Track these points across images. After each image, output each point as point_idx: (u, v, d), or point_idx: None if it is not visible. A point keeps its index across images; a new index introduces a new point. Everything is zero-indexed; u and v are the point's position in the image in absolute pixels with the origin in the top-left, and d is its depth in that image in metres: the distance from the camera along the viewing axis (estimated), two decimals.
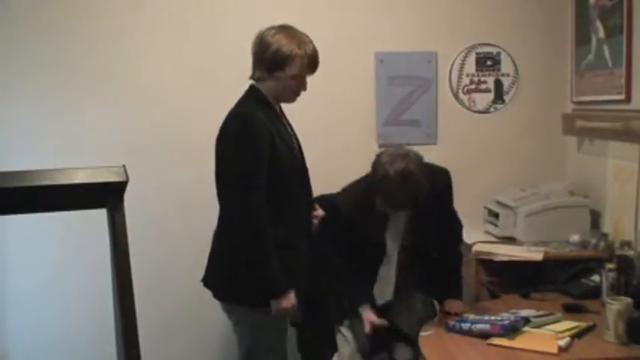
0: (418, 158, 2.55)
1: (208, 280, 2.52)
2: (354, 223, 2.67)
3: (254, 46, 2.46)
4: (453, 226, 2.83)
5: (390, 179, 2.45)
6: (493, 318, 2.43)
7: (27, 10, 3.30)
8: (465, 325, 2.42)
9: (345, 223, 2.70)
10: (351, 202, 2.70)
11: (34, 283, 3.39)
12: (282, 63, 2.40)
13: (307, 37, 2.46)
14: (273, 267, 2.35)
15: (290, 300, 2.40)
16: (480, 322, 2.40)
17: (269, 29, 2.46)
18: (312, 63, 2.45)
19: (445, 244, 2.78)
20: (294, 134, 2.63)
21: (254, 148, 2.34)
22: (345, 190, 2.78)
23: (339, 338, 2.78)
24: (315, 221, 2.65)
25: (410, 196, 2.48)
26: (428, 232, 2.67)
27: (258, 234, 2.34)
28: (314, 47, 2.46)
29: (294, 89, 2.47)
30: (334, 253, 2.74)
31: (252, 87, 2.50)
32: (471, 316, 2.51)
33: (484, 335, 2.32)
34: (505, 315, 2.47)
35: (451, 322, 2.46)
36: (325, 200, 2.77)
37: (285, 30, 2.45)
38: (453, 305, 2.68)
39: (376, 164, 2.54)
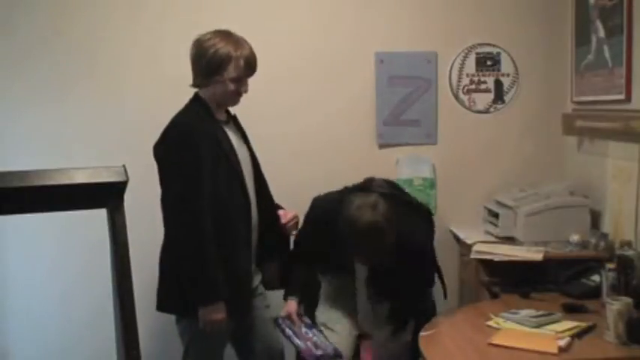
0: (388, 208, 2.47)
1: (159, 299, 2.56)
2: (324, 233, 2.63)
3: (191, 53, 2.49)
4: (427, 270, 2.75)
5: (357, 228, 2.43)
6: (315, 339, 2.62)
7: (26, 7, 3.30)
8: (288, 331, 2.65)
9: (317, 227, 2.69)
10: (326, 208, 2.67)
11: (33, 283, 3.38)
12: (220, 67, 2.43)
13: (244, 39, 2.49)
14: (210, 273, 2.38)
15: (219, 312, 2.41)
16: (299, 338, 2.63)
17: (204, 34, 2.48)
18: (248, 64, 2.47)
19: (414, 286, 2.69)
20: (246, 142, 2.65)
21: (195, 165, 2.38)
22: (327, 195, 2.77)
23: None
24: (290, 223, 2.71)
25: (376, 250, 2.47)
26: (398, 273, 2.59)
27: (200, 246, 2.37)
28: (251, 49, 2.49)
29: (234, 92, 2.49)
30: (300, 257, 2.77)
31: (195, 95, 2.54)
32: (302, 328, 2.68)
33: (297, 349, 2.65)
34: (324, 344, 2.63)
35: (282, 322, 2.67)
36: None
37: (221, 34, 2.47)
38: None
39: (347, 207, 2.49)
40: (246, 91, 2.53)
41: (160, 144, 2.48)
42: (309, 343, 2.62)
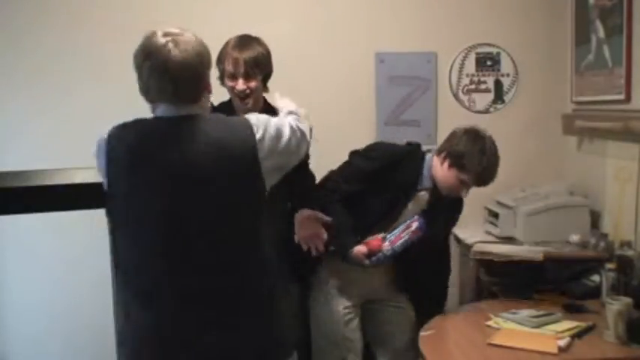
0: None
1: None
2: (381, 179, 2.60)
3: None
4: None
5: (486, 158, 2.58)
6: (402, 227, 2.54)
7: (23, 3, 3.31)
8: (387, 252, 2.52)
9: (372, 175, 2.62)
10: (391, 157, 2.65)
11: (32, 283, 3.38)
12: (219, 61, 2.46)
13: (254, 42, 2.49)
14: None
15: None
16: (397, 239, 2.52)
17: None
18: (235, 61, 2.45)
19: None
20: None
21: None
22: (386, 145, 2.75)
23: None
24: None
25: (495, 175, 2.61)
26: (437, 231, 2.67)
27: None
28: (254, 49, 2.46)
29: (231, 89, 2.49)
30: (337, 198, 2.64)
31: None
32: (386, 243, 2.54)
33: (408, 244, 2.50)
34: (404, 222, 2.57)
35: (372, 258, 2.53)
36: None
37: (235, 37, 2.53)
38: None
39: (467, 142, 2.61)
40: (240, 91, 2.47)
41: None
42: (406, 231, 2.54)
